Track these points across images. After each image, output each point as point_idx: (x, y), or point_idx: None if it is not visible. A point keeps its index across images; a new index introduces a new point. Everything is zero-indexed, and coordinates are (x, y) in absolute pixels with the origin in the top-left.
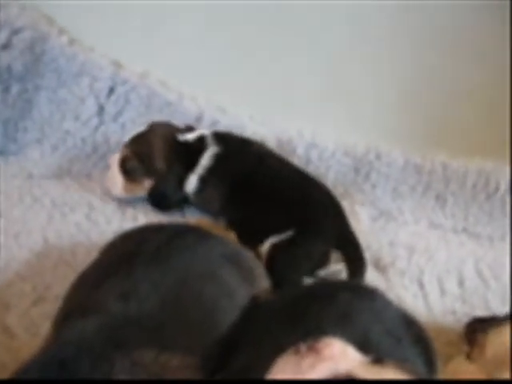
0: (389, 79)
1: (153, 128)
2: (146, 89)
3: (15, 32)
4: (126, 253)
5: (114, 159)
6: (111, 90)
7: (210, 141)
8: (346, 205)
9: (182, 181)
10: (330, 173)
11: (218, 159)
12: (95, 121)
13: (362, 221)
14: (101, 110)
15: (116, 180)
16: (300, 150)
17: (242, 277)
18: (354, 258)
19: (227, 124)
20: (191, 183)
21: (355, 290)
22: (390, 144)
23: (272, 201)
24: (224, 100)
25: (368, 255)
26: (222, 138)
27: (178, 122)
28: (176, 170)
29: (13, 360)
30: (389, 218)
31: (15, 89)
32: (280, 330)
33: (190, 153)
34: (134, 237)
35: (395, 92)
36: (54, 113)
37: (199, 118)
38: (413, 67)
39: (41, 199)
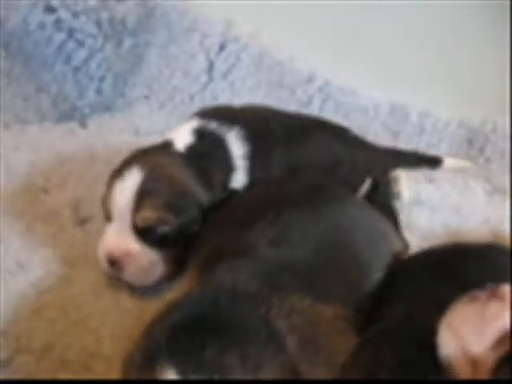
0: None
1: (147, 164)
2: (257, 47)
3: None
4: (270, 197)
5: (128, 250)
6: (222, 47)
7: (213, 127)
8: (459, 178)
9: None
10: (442, 144)
11: (245, 136)
12: (204, 78)
13: (476, 195)
14: (211, 66)
15: (152, 265)
16: (413, 118)
17: (382, 234)
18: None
19: (339, 86)
20: (238, 180)
21: (499, 248)
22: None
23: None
24: (335, 63)
25: (487, 228)
26: (215, 112)
27: (289, 82)
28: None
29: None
30: (503, 193)
31: (127, 43)
32: (437, 283)
33: (209, 156)
34: (274, 183)
35: None
36: (163, 69)
37: (311, 79)
38: None
39: None
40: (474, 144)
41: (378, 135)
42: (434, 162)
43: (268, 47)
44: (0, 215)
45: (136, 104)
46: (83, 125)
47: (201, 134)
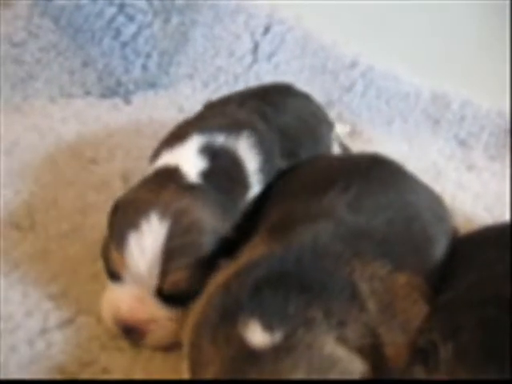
0: None
1: (168, 211)
2: (301, 30)
3: None
4: (336, 169)
5: (152, 318)
6: (267, 29)
7: (221, 140)
8: (497, 167)
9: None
10: (483, 133)
11: (254, 143)
12: (249, 58)
13: None
14: (255, 47)
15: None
16: (454, 106)
17: (443, 210)
18: None
19: (381, 72)
20: (252, 194)
21: None
22: None
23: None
24: (378, 49)
25: None
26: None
27: (333, 67)
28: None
29: None
30: None
31: (175, 21)
32: (507, 254)
33: (228, 181)
34: (335, 158)
35: None
36: (208, 49)
37: (354, 64)
38: None
39: None
40: None
41: (419, 122)
42: None
43: (312, 31)
44: (52, 182)
45: (180, 83)
46: (127, 101)
47: (211, 154)
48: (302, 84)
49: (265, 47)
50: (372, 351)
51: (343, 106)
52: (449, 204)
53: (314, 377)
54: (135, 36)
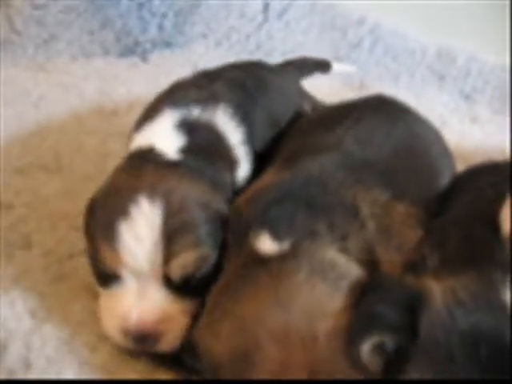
0: None
1: (155, 192)
2: None
3: None
4: (347, 108)
5: (166, 316)
6: None
7: (196, 114)
8: (501, 120)
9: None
10: (487, 87)
11: (233, 113)
12: (260, 18)
13: None
14: (266, 7)
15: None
16: (460, 62)
17: (447, 147)
18: None
19: (389, 29)
20: (243, 171)
21: None
22: None
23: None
24: (385, 6)
25: None
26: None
27: (341, 24)
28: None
29: None
30: None
31: None
32: (497, 182)
33: (209, 157)
34: (345, 101)
35: None
36: (221, 9)
37: (362, 21)
38: None
39: None
40: None
41: (425, 77)
42: (324, 67)
43: None
44: (76, 131)
45: (194, 42)
46: (144, 59)
47: (187, 129)
48: (312, 41)
49: (275, 6)
50: (369, 266)
51: (351, 62)
52: (453, 151)
53: (315, 278)
54: None
